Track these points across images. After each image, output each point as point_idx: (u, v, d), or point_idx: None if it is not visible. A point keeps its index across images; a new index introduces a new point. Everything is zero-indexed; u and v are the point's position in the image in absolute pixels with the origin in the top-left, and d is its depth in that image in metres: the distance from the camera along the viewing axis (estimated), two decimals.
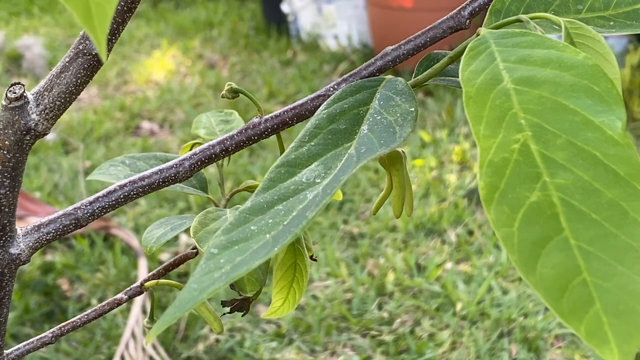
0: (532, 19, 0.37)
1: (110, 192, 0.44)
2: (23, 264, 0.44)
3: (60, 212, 0.44)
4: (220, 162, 0.52)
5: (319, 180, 0.32)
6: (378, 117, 0.36)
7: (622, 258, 0.25)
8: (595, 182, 0.27)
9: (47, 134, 0.42)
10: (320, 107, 0.37)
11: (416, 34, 0.41)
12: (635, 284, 0.25)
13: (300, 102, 0.42)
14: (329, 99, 0.37)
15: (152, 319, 0.52)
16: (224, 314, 0.50)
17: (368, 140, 0.34)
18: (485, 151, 0.28)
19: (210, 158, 0.44)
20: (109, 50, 0.39)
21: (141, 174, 0.44)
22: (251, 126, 0.43)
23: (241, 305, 0.49)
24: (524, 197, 0.27)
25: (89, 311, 0.52)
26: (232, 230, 0.30)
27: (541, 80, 0.30)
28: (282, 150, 0.45)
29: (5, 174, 0.41)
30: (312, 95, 0.42)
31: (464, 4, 0.41)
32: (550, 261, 0.25)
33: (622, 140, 0.28)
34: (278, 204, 0.31)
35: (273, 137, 0.45)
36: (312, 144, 0.35)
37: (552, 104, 0.29)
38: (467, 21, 0.40)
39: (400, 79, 0.40)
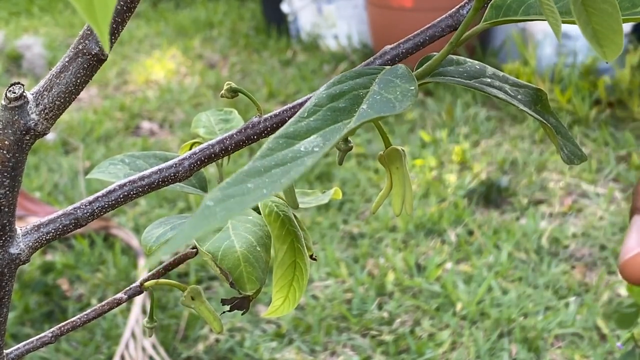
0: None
1: (109, 192, 0.44)
2: (23, 264, 0.44)
3: (60, 212, 0.44)
4: (220, 161, 0.52)
5: (317, 149, 0.32)
6: (377, 97, 0.36)
7: None
8: None
9: (46, 133, 0.41)
10: (320, 89, 0.37)
11: (415, 32, 0.41)
12: None
13: (299, 101, 0.42)
14: (329, 82, 0.38)
15: (152, 319, 0.52)
16: (224, 312, 0.50)
17: (367, 114, 0.35)
18: None
19: (209, 157, 0.44)
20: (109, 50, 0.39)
21: (141, 174, 0.44)
22: (250, 125, 0.43)
23: (241, 303, 0.49)
24: None
25: (88, 311, 0.52)
26: (228, 188, 0.30)
27: None
28: None
29: (5, 174, 0.41)
30: (311, 95, 0.42)
31: (462, 3, 0.41)
32: None
33: None
34: (275, 168, 0.31)
35: None
36: (312, 119, 0.35)
37: None
38: None
39: (401, 64, 0.40)
